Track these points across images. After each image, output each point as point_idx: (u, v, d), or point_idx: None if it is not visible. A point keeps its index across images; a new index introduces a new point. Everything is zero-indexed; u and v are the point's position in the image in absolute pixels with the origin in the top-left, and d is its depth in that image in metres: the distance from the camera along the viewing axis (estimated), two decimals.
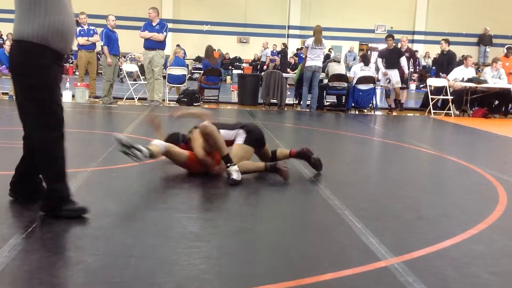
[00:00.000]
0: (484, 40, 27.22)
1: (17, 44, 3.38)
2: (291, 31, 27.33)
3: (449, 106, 12.69)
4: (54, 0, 3.37)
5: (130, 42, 16.47)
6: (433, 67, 25.58)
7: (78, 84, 12.10)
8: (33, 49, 3.34)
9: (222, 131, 4.90)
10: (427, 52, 27.11)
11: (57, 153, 3.46)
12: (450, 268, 2.99)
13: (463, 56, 15.67)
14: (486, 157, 7.56)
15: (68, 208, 3.48)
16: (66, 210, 3.46)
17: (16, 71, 3.43)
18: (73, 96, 11.95)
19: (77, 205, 3.53)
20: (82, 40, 12.00)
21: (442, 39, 13.59)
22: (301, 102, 12.56)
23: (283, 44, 25.46)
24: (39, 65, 3.37)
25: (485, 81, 12.57)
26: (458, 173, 5.99)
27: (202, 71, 13.82)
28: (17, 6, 3.36)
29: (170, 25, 20.90)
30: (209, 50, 13.88)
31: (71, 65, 23.76)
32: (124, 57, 17.08)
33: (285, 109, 12.63)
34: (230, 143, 4.93)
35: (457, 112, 12.81)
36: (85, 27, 12.17)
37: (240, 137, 4.94)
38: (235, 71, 23.75)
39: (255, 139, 4.98)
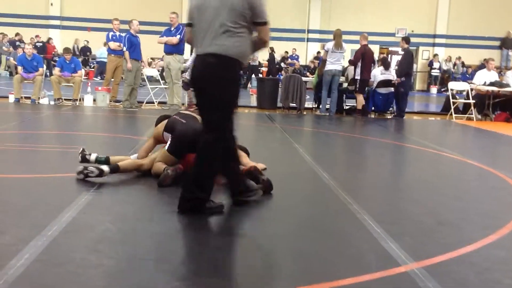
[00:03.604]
0: (506, 43, 26.86)
1: (218, 59, 3.73)
2: (311, 35, 27.28)
3: (471, 110, 12.55)
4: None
5: (152, 46, 16.57)
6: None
7: (99, 88, 12.22)
8: (232, 64, 3.79)
9: (165, 132, 5.00)
10: (449, 56, 26.86)
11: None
12: (471, 274, 2.95)
13: (485, 59, 15.47)
14: (507, 161, 7.46)
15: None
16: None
17: (214, 83, 3.76)
18: (94, 100, 12.07)
19: None
20: (113, 45, 12.12)
21: (401, 38, 13.06)
22: (320, 106, 12.53)
23: (270, 48, 25.14)
24: (235, 78, 3.89)
25: (507, 85, 12.41)
26: (479, 178, 5.91)
27: None
28: (215, 25, 3.72)
29: None
30: None
31: (92, 69, 24.03)
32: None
33: (304, 113, 12.61)
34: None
35: (479, 116, 12.66)
36: (117, 33, 12.29)
37: (168, 142, 4.91)
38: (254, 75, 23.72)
39: (177, 149, 4.84)
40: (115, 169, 4.74)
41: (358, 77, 12.01)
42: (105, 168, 4.66)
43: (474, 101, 12.56)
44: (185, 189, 3.85)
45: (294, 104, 12.76)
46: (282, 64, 25.34)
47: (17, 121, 9.25)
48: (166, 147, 4.87)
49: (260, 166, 5.22)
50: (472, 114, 12.54)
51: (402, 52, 12.59)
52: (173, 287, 2.62)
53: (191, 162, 4.97)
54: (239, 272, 2.87)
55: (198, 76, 3.87)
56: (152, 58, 21.22)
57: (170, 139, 4.88)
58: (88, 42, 25.44)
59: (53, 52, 23.87)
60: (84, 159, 5.04)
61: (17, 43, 23.16)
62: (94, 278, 2.67)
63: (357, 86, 12.02)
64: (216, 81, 3.77)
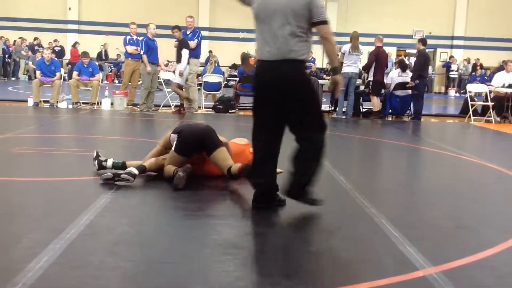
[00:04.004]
0: None
1: (292, 64, 3.93)
2: None
3: (490, 113, 12.42)
4: None
5: (168, 50, 16.66)
6: (473, 73, 25.16)
7: (117, 92, 12.31)
8: (304, 66, 4.08)
9: (172, 134, 5.02)
10: (468, 57, 26.60)
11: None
12: (490, 278, 2.92)
13: (503, 61, 15.30)
14: None
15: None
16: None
17: (293, 87, 3.93)
18: (111, 103, 12.16)
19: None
20: (130, 49, 12.19)
21: (418, 39, 12.90)
22: (337, 109, 12.48)
23: None
24: (309, 79, 4.21)
25: None
26: (498, 181, 5.84)
27: (237, 78, 13.87)
28: (285, 31, 3.89)
29: (206, 33, 21.04)
30: (245, 57, 13.94)
31: (110, 73, 24.20)
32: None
33: None
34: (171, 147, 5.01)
35: (498, 119, 12.52)
36: (134, 37, 12.36)
37: (174, 143, 4.93)
38: None
39: (184, 148, 4.86)
40: (142, 170, 4.82)
41: (371, 78, 11.98)
42: (135, 171, 4.72)
43: (492, 103, 12.43)
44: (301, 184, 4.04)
45: None
46: None
47: (35, 124, 9.35)
48: (173, 147, 4.90)
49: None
50: (490, 116, 12.41)
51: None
52: None
53: (200, 164, 5.00)
54: (256, 275, 2.86)
55: (279, 83, 3.94)
56: (168, 61, 21.33)
57: (176, 140, 4.91)
58: (104, 45, 25.64)
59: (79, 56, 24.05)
60: (101, 166, 5.07)
61: (36, 47, 23.43)
62: (112, 280, 2.69)
63: (370, 88, 11.97)
64: (300, 85, 3.96)
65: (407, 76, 12.31)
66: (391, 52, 25.97)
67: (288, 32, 3.89)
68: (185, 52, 11.32)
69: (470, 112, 12.48)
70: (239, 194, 4.67)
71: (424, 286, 2.78)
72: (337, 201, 4.61)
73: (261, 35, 4.01)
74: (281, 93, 3.93)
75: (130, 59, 12.34)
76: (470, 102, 12.67)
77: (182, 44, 11.41)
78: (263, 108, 4.05)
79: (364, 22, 24.47)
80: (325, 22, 4.00)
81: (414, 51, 28.30)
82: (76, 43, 24.39)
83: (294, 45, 3.90)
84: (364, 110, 12.87)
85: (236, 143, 5.39)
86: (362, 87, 12.89)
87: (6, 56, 22.79)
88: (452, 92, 25.47)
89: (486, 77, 22.46)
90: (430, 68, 21.01)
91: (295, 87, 3.94)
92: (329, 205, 4.49)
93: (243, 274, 2.85)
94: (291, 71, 3.93)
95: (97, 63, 15.26)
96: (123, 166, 5.04)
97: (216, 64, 13.94)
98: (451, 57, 26.73)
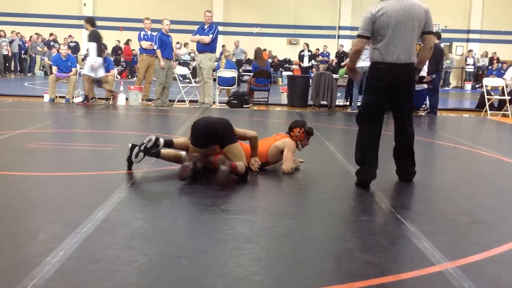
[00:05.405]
0: None
1: (412, 66, 4.69)
2: (342, 32, 27.11)
3: (506, 107, 12.29)
4: None
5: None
6: (489, 67, 24.92)
7: (132, 87, 12.35)
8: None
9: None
10: (485, 51, 26.33)
11: None
12: (507, 274, 2.89)
13: None
14: None
15: None
16: None
17: (410, 86, 4.82)
18: (126, 99, 12.21)
19: None
20: (145, 44, 12.22)
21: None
22: (352, 104, 12.42)
23: (306, 44, 25.17)
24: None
25: None
26: None
27: (252, 73, 13.87)
28: (412, 39, 4.60)
29: (220, 28, 21.05)
30: (258, 52, 13.91)
31: (125, 69, 24.30)
32: (177, 60, 17.32)
33: (335, 110, 12.52)
34: None
35: None
36: (149, 32, 12.39)
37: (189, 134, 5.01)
38: (284, 73, 23.73)
39: (197, 139, 4.89)
40: (169, 142, 4.93)
41: None
42: (161, 139, 4.84)
43: (509, 97, 12.30)
44: (409, 165, 5.00)
45: (325, 102, 12.68)
46: (313, 62, 25.24)
47: (51, 120, 9.43)
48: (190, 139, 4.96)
49: (287, 165, 5.19)
50: (507, 110, 12.28)
51: None
52: (206, 284, 2.63)
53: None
54: (271, 271, 2.86)
55: (401, 82, 4.68)
56: (177, 42, 21.14)
57: (190, 131, 4.97)
58: (119, 41, 25.75)
59: (133, 54, 24.02)
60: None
61: (52, 43, 23.60)
62: (128, 274, 2.70)
63: None
64: (413, 85, 4.86)
65: (423, 70, 12.19)
66: None
67: (413, 39, 4.59)
68: (91, 45, 11.39)
69: (487, 106, 12.36)
70: (253, 188, 4.67)
71: (441, 281, 2.76)
72: (353, 197, 4.60)
73: (390, 41, 4.56)
74: (401, 90, 4.69)
75: (144, 54, 12.38)
76: (486, 96, 12.54)
77: (89, 37, 11.53)
78: (381, 103, 4.78)
79: None
80: (433, 33, 4.75)
81: None
82: (129, 40, 24.43)
83: (414, 50, 4.64)
84: None
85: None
86: None
87: (22, 52, 22.98)
88: (468, 86, 25.26)
89: (502, 71, 22.25)
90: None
91: (411, 86, 4.79)
92: (345, 200, 4.48)
93: (258, 268, 2.85)
94: (412, 73, 4.70)
95: (111, 58, 15.33)
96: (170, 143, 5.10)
97: (229, 58, 13.93)
98: (470, 51, 26.49)
